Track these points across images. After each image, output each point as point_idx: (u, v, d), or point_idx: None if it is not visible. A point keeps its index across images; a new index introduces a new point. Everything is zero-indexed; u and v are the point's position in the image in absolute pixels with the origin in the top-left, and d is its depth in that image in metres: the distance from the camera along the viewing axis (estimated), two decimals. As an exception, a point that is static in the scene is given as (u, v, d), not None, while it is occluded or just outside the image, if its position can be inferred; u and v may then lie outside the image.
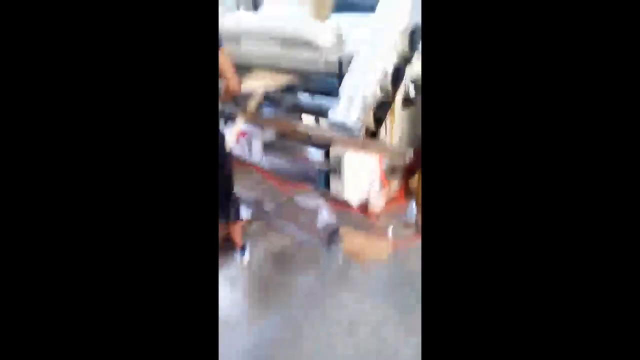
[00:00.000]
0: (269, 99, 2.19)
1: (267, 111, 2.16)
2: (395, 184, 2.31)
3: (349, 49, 1.80)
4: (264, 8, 2.16)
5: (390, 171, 2.28)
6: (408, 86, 1.93)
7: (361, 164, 1.91)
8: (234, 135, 2.04)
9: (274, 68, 2.16)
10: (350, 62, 1.77)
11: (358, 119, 1.65)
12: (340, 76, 1.78)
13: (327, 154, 1.83)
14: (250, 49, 2.25)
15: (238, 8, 2.76)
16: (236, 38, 2.30)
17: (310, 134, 1.82)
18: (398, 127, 2.05)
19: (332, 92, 1.87)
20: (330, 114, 1.70)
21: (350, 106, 1.67)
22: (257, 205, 2.24)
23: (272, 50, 2.12)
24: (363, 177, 1.96)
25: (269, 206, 2.22)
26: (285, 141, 2.09)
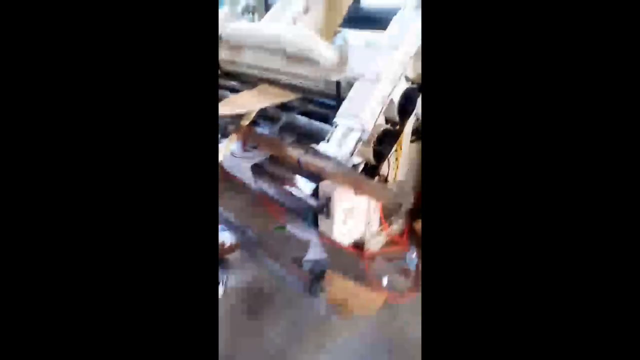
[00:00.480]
0: (265, 116, 1.97)
1: (261, 129, 1.94)
2: (398, 223, 2.03)
3: (353, 69, 1.55)
4: (269, 18, 1.96)
5: (393, 210, 2.00)
6: (419, 116, 1.66)
7: (356, 201, 1.65)
8: (227, 149, 1.85)
9: (274, 82, 1.95)
10: (352, 84, 1.52)
11: (351, 153, 1.39)
12: (339, 100, 1.54)
13: (316, 190, 1.58)
14: (251, 60, 2.05)
15: (252, 15, 2.60)
16: (238, 47, 2.12)
17: (300, 162, 1.58)
18: (405, 162, 1.78)
19: (330, 116, 1.62)
20: (322, 144, 1.45)
21: (345, 137, 1.42)
22: (241, 231, 2.02)
23: (273, 64, 1.91)
24: (358, 216, 1.70)
25: (254, 233, 2.00)
26: (276, 165, 1.86)
